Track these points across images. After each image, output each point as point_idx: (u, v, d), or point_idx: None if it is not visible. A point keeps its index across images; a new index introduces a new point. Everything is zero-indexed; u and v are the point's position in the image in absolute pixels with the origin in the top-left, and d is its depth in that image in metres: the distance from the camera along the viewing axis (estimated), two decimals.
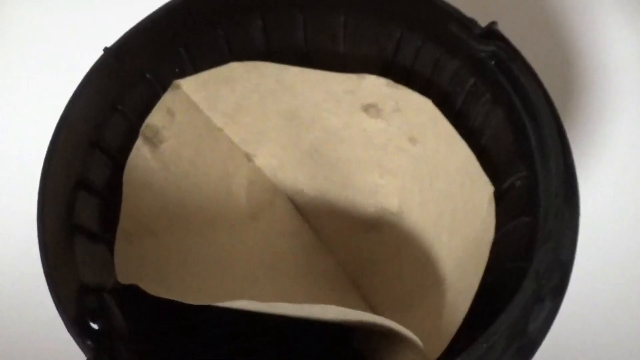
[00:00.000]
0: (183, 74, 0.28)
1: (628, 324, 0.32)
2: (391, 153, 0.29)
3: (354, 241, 0.31)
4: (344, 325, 0.27)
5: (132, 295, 0.24)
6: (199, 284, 0.27)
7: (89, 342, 0.22)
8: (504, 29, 0.25)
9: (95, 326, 0.23)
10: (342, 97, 0.28)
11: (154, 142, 0.27)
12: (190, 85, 0.28)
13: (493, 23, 0.25)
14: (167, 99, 0.27)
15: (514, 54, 0.24)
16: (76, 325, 0.22)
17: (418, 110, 0.27)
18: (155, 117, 0.27)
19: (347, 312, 0.23)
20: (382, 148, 0.29)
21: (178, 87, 0.27)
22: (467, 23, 0.25)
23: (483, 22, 0.25)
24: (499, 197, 0.25)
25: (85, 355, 0.22)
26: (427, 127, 0.27)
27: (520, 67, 0.24)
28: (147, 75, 0.27)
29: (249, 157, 0.31)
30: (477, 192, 0.25)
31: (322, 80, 0.28)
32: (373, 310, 0.30)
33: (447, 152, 0.26)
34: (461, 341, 0.23)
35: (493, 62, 0.25)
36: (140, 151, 0.27)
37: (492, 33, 0.25)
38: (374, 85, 0.27)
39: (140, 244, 0.26)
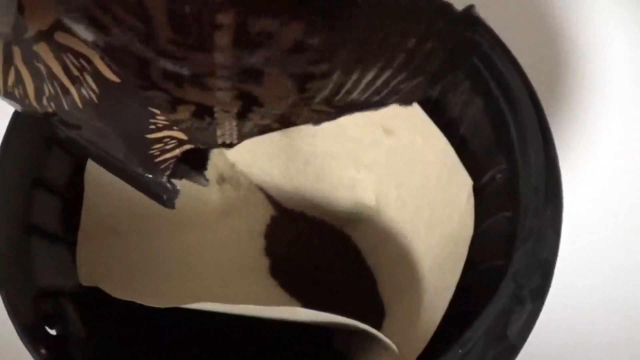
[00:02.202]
0: None
1: (613, 326, 0.31)
2: (366, 146, 0.28)
3: None
4: (323, 326, 0.26)
5: (93, 299, 0.24)
6: (166, 285, 0.26)
7: (42, 351, 0.21)
8: (482, 12, 0.24)
9: (52, 332, 0.22)
10: None
11: None
12: None
13: (470, 6, 0.23)
14: None
15: (493, 40, 0.23)
16: (30, 332, 0.21)
17: None
18: None
19: (316, 314, 0.22)
20: (356, 140, 0.28)
21: None
22: (442, 7, 0.24)
23: (459, 6, 0.24)
24: (478, 192, 0.24)
25: None
26: (401, 117, 0.26)
27: (499, 54, 0.23)
28: None
29: (220, 151, 0.29)
30: (456, 186, 0.24)
31: None
32: None
33: (423, 144, 0.25)
34: (437, 345, 0.22)
35: None
36: None
37: (469, 17, 0.23)
38: None
39: (103, 244, 0.26)
